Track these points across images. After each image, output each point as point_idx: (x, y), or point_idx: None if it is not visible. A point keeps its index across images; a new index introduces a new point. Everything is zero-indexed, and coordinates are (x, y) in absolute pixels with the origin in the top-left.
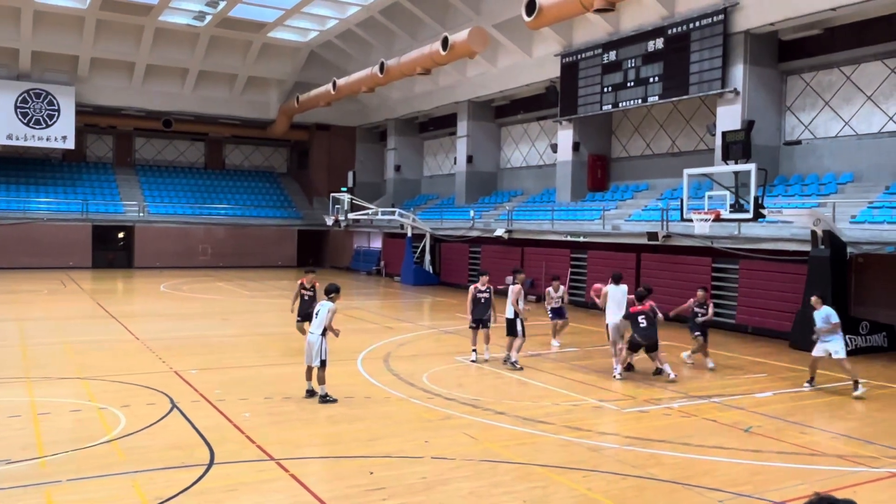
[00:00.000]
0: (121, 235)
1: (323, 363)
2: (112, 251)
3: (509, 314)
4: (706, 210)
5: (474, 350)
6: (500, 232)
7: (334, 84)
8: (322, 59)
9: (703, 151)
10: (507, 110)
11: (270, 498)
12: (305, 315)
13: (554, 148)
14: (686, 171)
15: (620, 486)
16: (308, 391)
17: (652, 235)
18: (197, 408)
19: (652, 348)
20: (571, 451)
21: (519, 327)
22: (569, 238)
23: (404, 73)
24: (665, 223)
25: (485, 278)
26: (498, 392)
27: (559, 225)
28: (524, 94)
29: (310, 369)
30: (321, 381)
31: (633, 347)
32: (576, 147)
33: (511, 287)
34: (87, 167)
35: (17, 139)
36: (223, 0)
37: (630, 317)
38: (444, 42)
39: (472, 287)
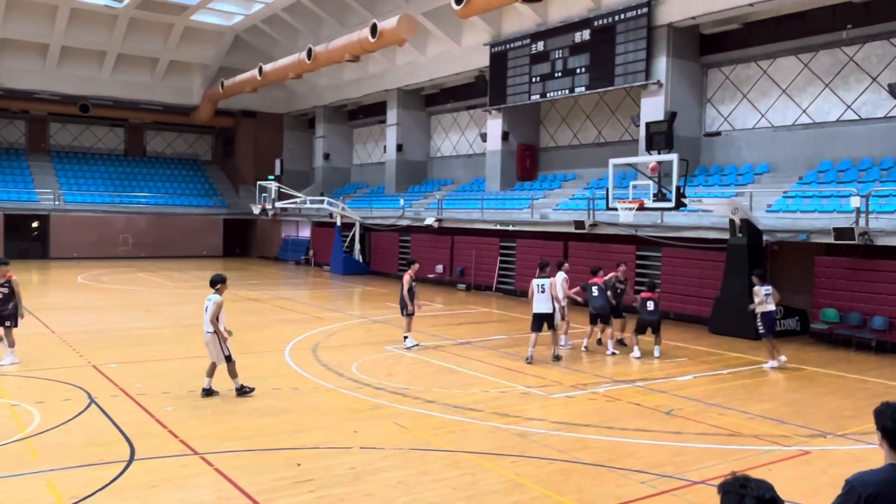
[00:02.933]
0: (35, 225)
1: (228, 358)
2: (26, 241)
3: (546, 308)
4: (630, 199)
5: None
6: (430, 221)
7: (260, 70)
8: (247, 45)
9: (628, 142)
10: (436, 99)
11: (194, 493)
12: None
13: (483, 137)
14: (611, 161)
15: (548, 470)
16: (205, 390)
17: (579, 224)
18: (116, 402)
19: (603, 320)
20: (500, 438)
21: (558, 317)
22: (498, 227)
23: (333, 60)
24: (591, 212)
25: (416, 266)
26: (427, 381)
27: (489, 214)
28: (454, 83)
29: (213, 366)
30: (233, 375)
31: (592, 320)
32: (505, 136)
33: (550, 280)
34: None
35: None
36: None
37: (586, 287)
38: (373, 29)
39: (406, 276)
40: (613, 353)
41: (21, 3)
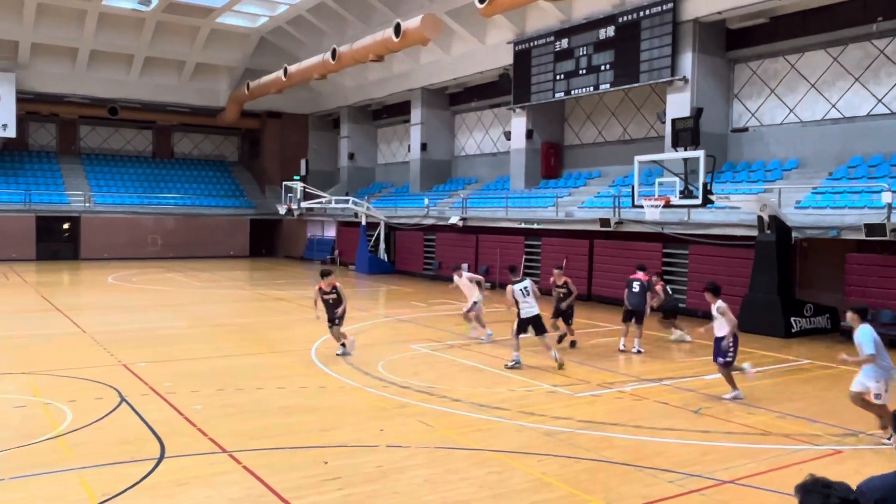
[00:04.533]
0: (66, 226)
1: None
2: (57, 243)
3: (535, 311)
4: (656, 196)
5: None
6: (454, 220)
7: (285, 71)
8: (273, 46)
9: (654, 138)
10: (460, 98)
11: (223, 491)
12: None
13: (507, 135)
14: (637, 158)
15: (574, 469)
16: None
17: (604, 222)
18: (147, 401)
19: (638, 319)
20: (526, 436)
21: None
22: (523, 225)
23: (357, 60)
24: (617, 210)
25: (330, 279)
26: (453, 379)
27: (513, 212)
28: (478, 82)
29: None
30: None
31: (627, 317)
32: (529, 135)
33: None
34: (29, 156)
35: None
36: None
37: (630, 282)
38: (397, 28)
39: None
40: (639, 352)
41: (51, 9)
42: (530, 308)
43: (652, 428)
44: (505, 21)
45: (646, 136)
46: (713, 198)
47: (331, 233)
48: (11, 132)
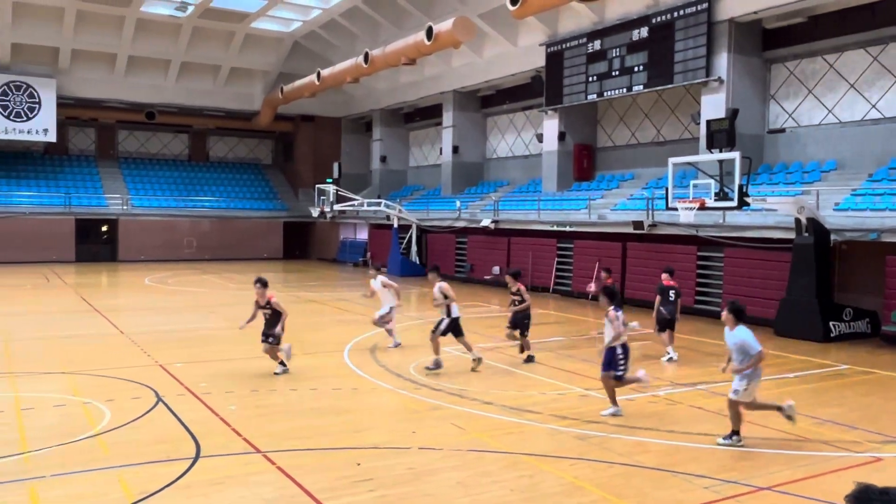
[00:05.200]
0: (104, 229)
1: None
2: (96, 245)
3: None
4: (691, 199)
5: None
6: (486, 222)
7: (318, 75)
8: (306, 50)
9: (688, 140)
10: (492, 100)
11: (257, 491)
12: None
13: (540, 138)
14: (671, 160)
15: (608, 473)
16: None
17: (637, 224)
18: (182, 401)
19: (672, 326)
20: (558, 440)
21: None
22: (555, 228)
23: (389, 64)
24: (650, 212)
25: (264, 291)
26: (485, 382)
27: (545, 215)
28: (510, 84)
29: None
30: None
31: (664, 326)
32: (561, 137)
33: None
34: (69, 160)
35: None
36: None
37: (664, 290)
38: (429, 32)
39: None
40: (671, 359)
41: (90, 16)
42: (457, 309)
43: (686, 433)
44: (537, 23)
45: (680, 138)
46: (749, 200)
47: (363, 235)
48: (52, 137)
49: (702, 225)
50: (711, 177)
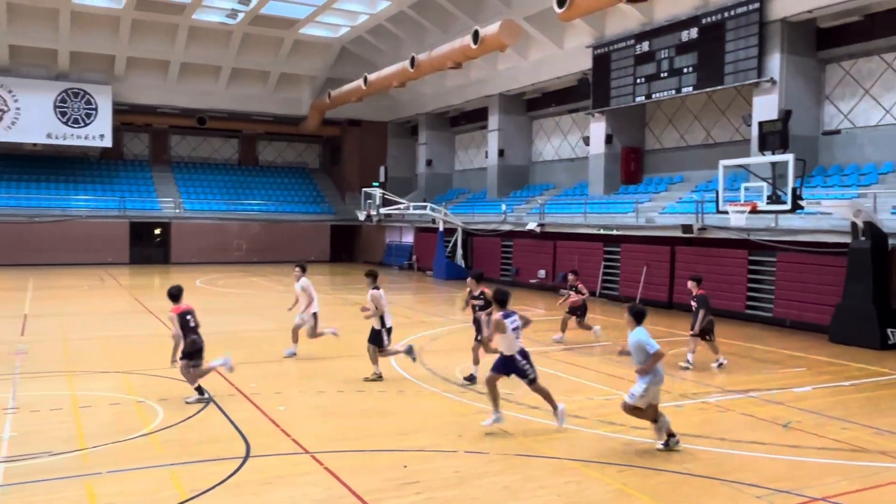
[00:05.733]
0: (157, 232)
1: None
2: (149, 247)
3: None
4: (742, 202)
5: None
6: (532, 226)
7: (365, 79)
8: (353, 55)
9: (739, 142)
10: (538, 103)
11: (305, 491)
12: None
13: (586, 141)
14: (722, 163)
15: (656, 481)
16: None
17: (686, 228)
18: (233, 401)
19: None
20: (605, 446)
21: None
22: (602, 231)
23: (435, 68)
24: (700, 215)
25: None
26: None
27: (592, 218)
28: (556, 87)
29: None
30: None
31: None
32: (608, 139)
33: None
34: (124, 165)
35: (57, 138)
36: None
37: (702, 300)
38: (475, 35)
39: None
40: (721, 364)
41: (145, 24)
42: (390, 319)
43: (737, 441)
44: (583, 25)
45: (730, 140)
46: (803, 203)
47: (408, 238)
48: (108, 142)
49: (753, 229)
50: (763, 179)
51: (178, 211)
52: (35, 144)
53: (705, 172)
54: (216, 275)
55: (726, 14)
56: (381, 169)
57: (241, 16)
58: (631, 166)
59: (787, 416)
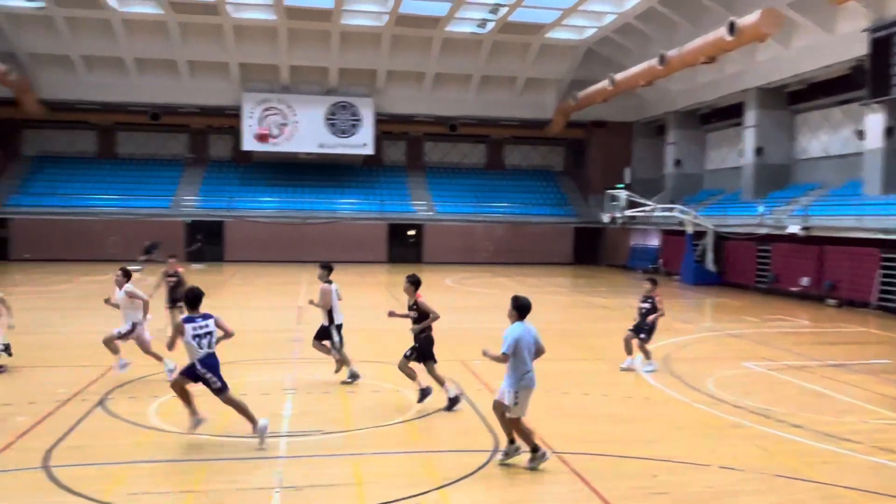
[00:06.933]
0: (411, 233)
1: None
2: (404, 247)
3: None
4: None
5: None
6: (793, 229)
7: (612, 80)
8: (598, 56)
9: None
10: (801, 96)
11: (550, 489)
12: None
13: (860, 135)
14: None
15: None
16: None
17: None
18: (481, 396)
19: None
20: (884, 476)
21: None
22: (880, 236)
23: (686, 64)
24: None
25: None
26: (792, 403)
27: (867, 221)
28: (822, 77)
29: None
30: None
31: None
32: (888, 133)
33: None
34: (383, 171)
35: (327, 147)
36: (504, 6)
37: None
38: (731, 27)
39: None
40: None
41: (403, 39)
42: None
43: None
44: (858, 6)
45: None
46: None
47: (654, 241)
48: (370, 150)
49: None
50: None
51: (430, 213)
52: (308, 153)
53: None
54: (464, 274)
55: None
56: (626, 170)
57: (490, 25)
58: None
59: None
